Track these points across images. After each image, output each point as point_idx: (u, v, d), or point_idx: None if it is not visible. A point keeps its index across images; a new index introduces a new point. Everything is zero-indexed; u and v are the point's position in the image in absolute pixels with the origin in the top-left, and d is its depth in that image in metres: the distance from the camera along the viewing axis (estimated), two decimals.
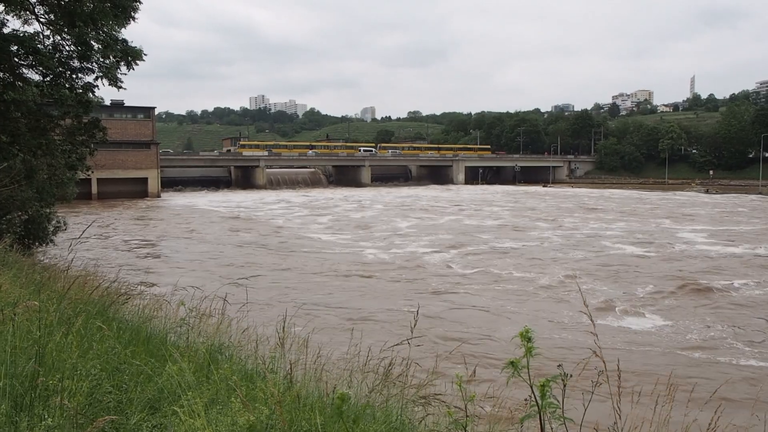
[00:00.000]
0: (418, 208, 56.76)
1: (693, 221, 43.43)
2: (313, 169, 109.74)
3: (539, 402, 2.27)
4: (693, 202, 66.78)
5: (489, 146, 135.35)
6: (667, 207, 58.15)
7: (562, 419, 2.35)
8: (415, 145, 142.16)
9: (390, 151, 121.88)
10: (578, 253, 27.47)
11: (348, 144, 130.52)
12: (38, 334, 4.17)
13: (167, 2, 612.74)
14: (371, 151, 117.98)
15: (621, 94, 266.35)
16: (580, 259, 25.68)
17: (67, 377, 3.69)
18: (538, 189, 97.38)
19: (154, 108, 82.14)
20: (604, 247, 29.46)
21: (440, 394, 5.10)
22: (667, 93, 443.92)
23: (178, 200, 70.10)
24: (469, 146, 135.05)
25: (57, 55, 16.26)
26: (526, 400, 2.43)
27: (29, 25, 16.48)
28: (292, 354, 5.71)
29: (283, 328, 5.65)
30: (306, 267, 23.79)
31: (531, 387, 2.34)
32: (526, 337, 2.37)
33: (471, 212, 51.84)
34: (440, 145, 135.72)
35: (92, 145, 19.68)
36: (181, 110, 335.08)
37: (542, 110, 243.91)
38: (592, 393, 3.19)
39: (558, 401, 2.39)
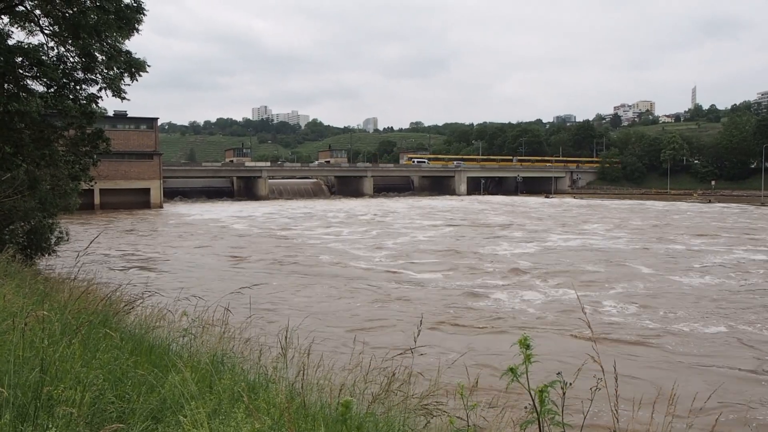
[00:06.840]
0: (492, 226, 45.85)
1: None
2: (315, 180, 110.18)
3: (538, 408, 2.29)
4: None
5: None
6: None
7: (561, 425, 2.37)
8: (546, 158, 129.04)
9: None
10: None
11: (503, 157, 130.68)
12: (42, 344, 4.20)
13: (167, 12, 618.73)
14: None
15: (623, 105, 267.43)
16: None
17: (70, 387, 3.70)
18: (556, 200, 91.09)
19: (156, 119, 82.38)
20: None
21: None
22: (669, 103, 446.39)
23: (185, 211, 68.55)
24: (592, 159, 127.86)
25: (61, 67, 16.35)
26: (526, 408, 2.45)
27: (34, 36, 16.61)
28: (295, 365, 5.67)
29: (286, 337, 5.65)
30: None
31: (530, 393, 2.36)
32: (524, 344, 2.39)
33: (563, 230, 41.70)
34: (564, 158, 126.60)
35: (95, 156, 19.74)
36: (184, 121, 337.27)
37: (544, 121, 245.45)
38: None
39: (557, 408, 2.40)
